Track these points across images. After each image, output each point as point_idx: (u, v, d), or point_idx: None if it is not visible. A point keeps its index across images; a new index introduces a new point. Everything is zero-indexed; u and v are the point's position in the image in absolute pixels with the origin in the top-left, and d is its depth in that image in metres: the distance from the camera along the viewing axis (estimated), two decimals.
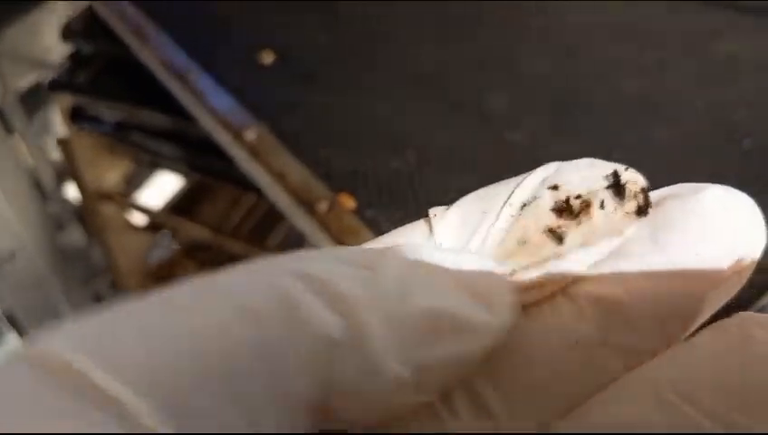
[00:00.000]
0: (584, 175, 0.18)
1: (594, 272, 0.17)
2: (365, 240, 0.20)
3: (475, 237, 0.18)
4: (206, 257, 1.04)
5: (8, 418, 0.12)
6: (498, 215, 0.18)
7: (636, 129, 0.58)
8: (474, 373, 0.17)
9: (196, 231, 0.98)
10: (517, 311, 0.17)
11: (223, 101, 0.68)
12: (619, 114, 0.60)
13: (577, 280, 0.17)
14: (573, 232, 0.17)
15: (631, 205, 0.17)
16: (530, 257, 0.17)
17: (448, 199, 0.19)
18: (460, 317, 0.15)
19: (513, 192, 0.18)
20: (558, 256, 0.17)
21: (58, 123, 1.06)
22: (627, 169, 0.18)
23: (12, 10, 1.00)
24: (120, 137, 0.90)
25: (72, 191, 1.10)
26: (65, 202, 1.13)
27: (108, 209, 1.01)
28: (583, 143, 0.58)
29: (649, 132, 0.58)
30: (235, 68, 0.71)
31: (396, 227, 0.19)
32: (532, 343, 0.17)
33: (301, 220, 0.59)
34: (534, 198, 0.18)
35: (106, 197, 1.00)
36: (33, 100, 1.05)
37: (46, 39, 1.04)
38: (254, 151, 0.63)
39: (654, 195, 0.18)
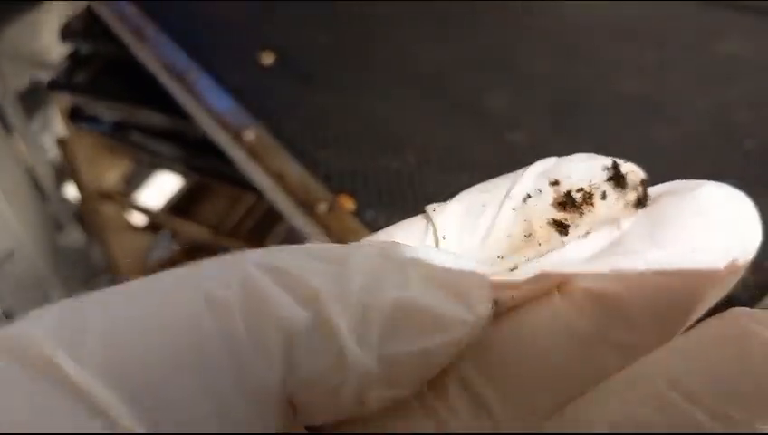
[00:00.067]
0: (584, 168, 0.18)
1: (591, 268, 0.17)
2: None
3: (476, 230, 0.18)
4: (205, 257, 1.04)
5: None
6: (499, 208, 0.18)
7: (636, 129, 0.58)
8: (470, 368, 0.17)
9: (195, 231, 0.98)
10: (504, 306, 0.17)
11: (222, 101, 0.68)
12: (620, 114, 0.60)
13: (574, 276, 0.17)
14: (577, 223, 0.17)
15: (632, 195, 0.18)
16: (535, 250, 0.17)
17: (448, 199, 0.19)
18: (431, 311, 0.15)
19: (513, 185, 0.18)
20: (559, 250, 0.17)
21: (57, 123, 1.06)
22: (625, 161, 0.18)
23: (11, 10, 1.00)
24: (119, 137, 0.90)
25: (71, 191, 1.10)
26: (65, 202, 1.12)
27: (107, 209, 1.01)
28: (583, 143, 0.58)
29: (650, 133, 0.57)
30: (234, 68, 0.71)
31: None
32: (529, 339, 0.17)
33: (300, 221, 0.58)
34: (538, 191, 0.18)
35: (105, 196, 1.00)
36: (32, 99, 1.05)
37: (45, 39, 1.04)
38: (253, 152, 0.63)
39: (651, 191, 0.18)
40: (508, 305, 0.18)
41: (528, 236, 0.17)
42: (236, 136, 0.64)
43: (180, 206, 1.04)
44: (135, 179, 1.09)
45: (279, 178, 0.60)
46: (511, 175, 0.18)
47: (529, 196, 0.18)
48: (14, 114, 1.01)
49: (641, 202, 0.18)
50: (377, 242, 0.16)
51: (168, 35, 0.75)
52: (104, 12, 0.81)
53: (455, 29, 0.71)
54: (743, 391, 0.14)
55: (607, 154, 0.18)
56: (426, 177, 0.58)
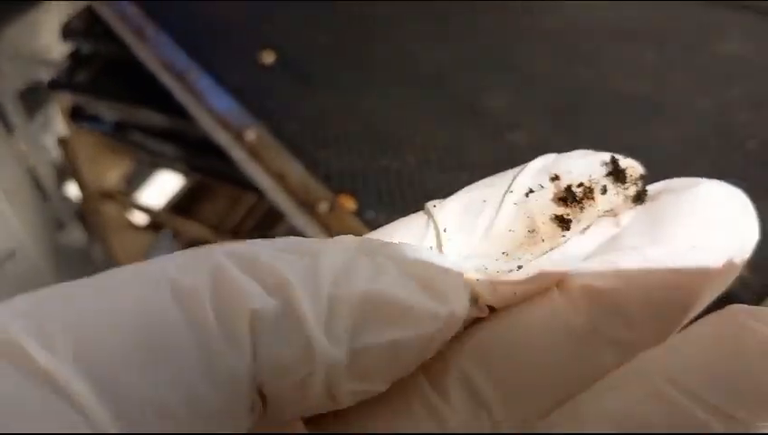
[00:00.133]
0: (583, 163, 0.18)
1: (590, 265, 0.17)
2: None
3: (477, 225, 0.18)
4: None
5: None
6: (501, 203, 0.18)
7: (636, 129, 0.58)
8: (471, 366, 0.17)
9: (196, 230, 0.98)
10: (505, 304, 0.18)
11: (222, 101, 0.67)
12: (620, 115, 0.60)
13: (573, 273, 0.18)
14: (579, 218, 0.18)
15: (632, 190, 0.18)
16: (539, 247, 0.17)
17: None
18: (402, 305, 0.15)
19: (513, 180, 0.18)
20: (560, 247, 0.17)
21: (58, 122, 1.06)
22: (624, 157, 0.18)
23: (12, 9, 1.00)
24: (120, 136, 0.90)
25: (72, 190, 1.10)
26: (66, 201, 1.12)
27: (108, 208, 1.01)
28: (583, 143, 0.58)
29: (651, 133, 0.57)
30: (234, 68, 0.71)
31: None
32: (527, 335, 0.17)
33: (301, 221, 0.58)
34: (539, 186, 0.18)
35: (107, 196, 0.99)
36: (33, 99, 1.05)
37: (46, 38, 1.03)
38: (253, 152, 0.63)
39: (650, 189, 0.18)
40: (509, 303, 0.18)
41: (531, 231, 0.18)
42: (237, 136, 0.64)
43: (181, 205, 1.04)
44: (136, 179, 1.09)
45: (280, 178, 0.60)
46: (510, 171, 0.19)
47: (531, 190, 0.18)
48: (14, 114, 1.01)
49: (640, 197, 0.18)
50: (356, 237, 0.16)
51: (169, 35, 0.74)
52: (105, 11, 0.81)
53: (455, 29, 0.71)
54: (741, 389, 0.14)
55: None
56: (426, 177, 0.58)
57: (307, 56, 0.71)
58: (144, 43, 0.75)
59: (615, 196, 0.18)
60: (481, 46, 0.69)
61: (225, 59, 0.72)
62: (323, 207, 0.57)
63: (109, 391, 0.13)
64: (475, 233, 0.18)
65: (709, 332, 0.15)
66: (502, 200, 0.18)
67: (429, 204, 0.19)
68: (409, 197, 0.57)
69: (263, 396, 0.14)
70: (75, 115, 0.92)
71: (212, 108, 0.67)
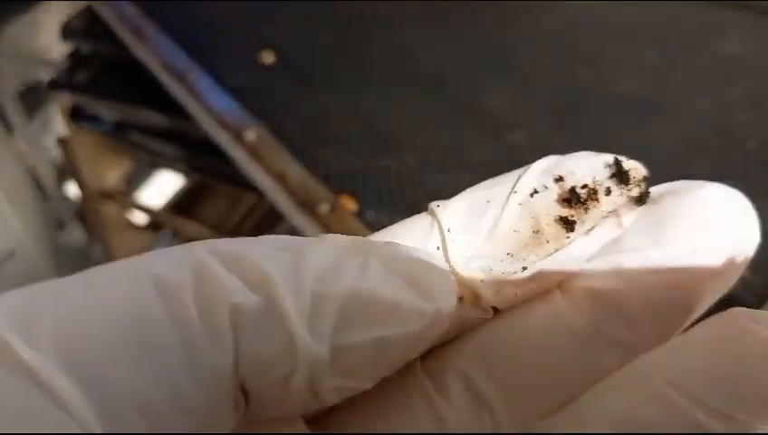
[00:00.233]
0: (587, 165, 0.18)
1: (592, 267, 0.18)
2: None
3: (481, 225, 0.18)
4: None
5: None
6: (505, 203, 0.18)
7: (636, 129, 0.58)
8: (472, 366, 0.17)
9: (196, 230, 0.98)
10: (508, 305, 0.17)
11: (222, 101, 0.67)
12: (620, 115, 0.60)
13: (575, 275, 0.18)
14: (583, 220, 0.18)
15: (635, 191, 0.18)
16: (543, 248, 0.17)
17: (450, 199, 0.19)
18: (388, 302, 0.15)
19: (517, 181, 0.18)
20: (564, 249, 0.17)
21: (58, 122, 1.06)
22: (627, 158, 0.18)
23: (11, 9, 1.00)
24: (119, 136, 0.90)
25: (72, 190, 1.10)
26: (66, 201, 1.12)
27: (108, 208, 1.01)
28: (584, 143, 0.58)
29: (651, 133, 0.57)
30: (234, 68, 0.71)
31: None
32: (528, 336, 0.17)
33: (302, 222, 0.58)
34: (543, 187, 0.18)
35: (106, 196, 0.99)
36: (32, 99, 1.05)
37: (46, 38, 1.03)
38: (254, 152, 0.63)
39: (653, 191, 0.18)
40: (511, 303, 0.18)
41: (536, 232, 0.18)
42: (237, 136, 0.64)
43: (181, 205, 1.03)
44: (136, 178, 1.09)
45: (280, 178, 0.60)
46: (514, 172, 0.19)
47: (536, 191, 0.18)
48: (14, 114, 1.01)
49: (642, 198, 0.18)
50: (344, 236, 0.16)
51: (169, 35, 0.74)
52: (104, 11, 0.81)
53: (455, 29, 0.71)
54: (742, 391, 0.14)
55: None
56: (426, 177, 0.58)
57: (307, 56, 0.71)
58: (144, 44, 0.75)
59: (618, 197, 0.18)
60: (481, 46, 0.69)
61: (225, 59, 0.72)
62: (324, 208, 0.57)
63: (92, 386, 0.13)
64: (480, 233, 0.18)
65: (710, 334, 0.15)
66: (506, 201, 0.18)
67: (433, 204, 0.18)
68: (410, 197, 0.57)
69: (245, 393, 0.14)
70: (75, 115, 0.92)
71: (212, 108, 0.67)
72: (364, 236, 0.18)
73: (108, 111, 0.89)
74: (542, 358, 0.17)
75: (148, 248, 1.08)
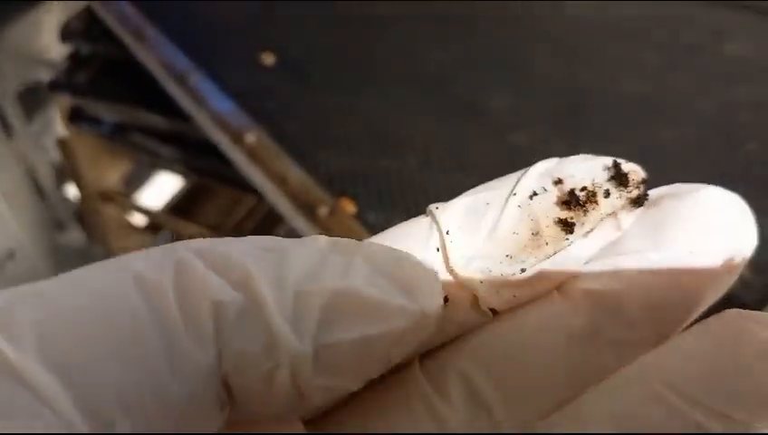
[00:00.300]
0: (586, 167, 0.18)
1: (591, 268, 0.18)
2: None
3: (481, 226, 0.18)
4: None
5: None
6: (504, 205, 0.18)
7: (639, 131, 0.58)
8: (472, 367, 0.17)
9: (196, 232, 0.98)
10: (507, 306, 0.18)
11: (222, 103, 0.67)
12: (621, 116, 0.60)
13: (574, 276, 0.18)
14: (582, 222, 0.18)
15: (634, 193, 0.18)
16: (543, 250, 0.18)
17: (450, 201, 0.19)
18: (372, 300, 0.15)
19: (516, 183, 0.18)
20: (563, 250, 0.18)
21: (58, 123, 1.06)
22: (626, 161, 0.18)
23: (11, 10, 1.00)
24: (119, 138, 0.90)
25: (71, 191, 1.10)
26: (65, 202, 1.12)
27: (108, 210, 1.01)
28: (585, 144, 0.58)
29: (653, 134, 0.57)
30: (234, 69, 0.71)
31: None
32: (528, 336, 0.18)
33: (301, 224, 0.58)
34: (543, 189, 0.18)
35: (106, 197, 0.99)
36: (32, 100, 1.05)
37: (46, 39, 1.03)
38: (253, 154, 0.63)
39: (651, 193, 0.18)
40: (510, 305, 0.18)
41: (535, 234, 0.18)
42: (237, 139, 0.64)
43: (181, 206, 1.03)
44: (135, 180, 1.09)
45: (280, 180, 0.60)
46: (513, 175, 0.19)
47: (535, 193, 0.18)
48: (14, 115, 1.01)
49: (641, 201, 0.18)
50: (329, 237, 0.16)
51: (168, 36, 0.74)
52: (104, 12, 0.81)
53: (455, 29, 0.71)
54: (740, 391, 0.14)
55: (611, 156, 0.19)
56: (426, 178, 0.58)
57: (307, 57, 0.71)
58: (143, 44, 0.75)
59: (617, 199, 0.18)
60: (481, 46, 0.69)
61: (225, 60, 0.72)
62: (323, 210, 0.57)
63: (75, 384, 0.13)
64: (479, 235, 0.18)
65: (708, 334, 0.15)
66: (505, 203, 0.18)
67: (432, 206, 0.19)
68: (410, 198, 0.57)
69: (229, 390, 0.14)
70: (74, 116, 0.92)
71: (211, 109, 0.67)
72: (364, 238, 0.18)
73: (107, 113, 0.89)
74: (542, 359, 0.17)
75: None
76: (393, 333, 0.15)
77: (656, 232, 0.18)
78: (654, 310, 0.17)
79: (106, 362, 0.13)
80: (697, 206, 0.18)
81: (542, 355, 0.17)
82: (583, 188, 0.18)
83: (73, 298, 0.14)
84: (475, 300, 0.18)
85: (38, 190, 1.07)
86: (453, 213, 0.18)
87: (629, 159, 0.19)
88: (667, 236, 0.17)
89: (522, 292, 0.18)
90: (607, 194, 0.18)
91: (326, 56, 0.71)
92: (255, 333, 0.14)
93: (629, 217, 0.18)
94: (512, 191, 0.18)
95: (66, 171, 1.04)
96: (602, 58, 0.65)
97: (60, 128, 1.03)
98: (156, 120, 0.82)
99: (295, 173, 0.60)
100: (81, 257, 1.13)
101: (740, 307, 0.16)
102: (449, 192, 0.19)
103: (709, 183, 0.18)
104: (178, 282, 0.14)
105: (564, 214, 0.18)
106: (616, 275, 0.17)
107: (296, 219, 0.59)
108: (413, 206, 0.56)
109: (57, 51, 0.99)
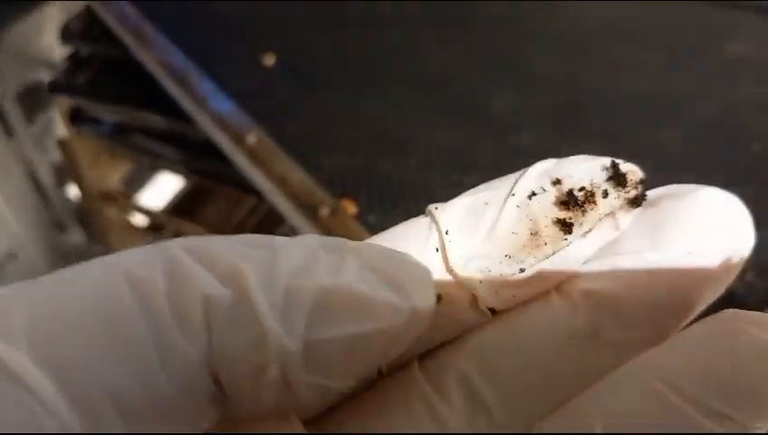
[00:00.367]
0: (584, 168, 0.18)
1: (590, 268, 0.18)
2: None
3: (480, 226, 0.18)
4: None
5: None
6: (503, 205, 0.18)
7: (642, 132, 0.58)
8: (471, 367, 0.17)
9: (197, 232, 0.98)
10: (505, 306, 0.18)
11: (223, 104, 0.67)
12: (626, 116, 0.60)
13: (573, 276, 0.18)
14: (581, 222, 0.18)
15: (632, 193, 0.18)
16: (541, 250, 0.18)
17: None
18: (362, 298, 0.14)
19: (515, 183, 0.18)
20: (562, 251, 0.18)
21: (58, 124, 1.06)
22: (624, 161, 0.19)
23: (11, 10, 1.00)
24: (120, 139, 0.90)
25: (72, 192, 1.10)
26: (66, 203, 1.13)
27: (109, 210, 1.01)
28: (587, 145, 0.58)
29: (656, 135, 0.57)
30: (235, 70, 0.71)
31: None
32: (526, 337, 0.18)
33: (303, 225, 0.58)
34: (541, 189, 0.18)
35: (107, 198, 1.00)
36: (33, 101, 1.05)
37: (46, 40, 1.03)
38: (254, 156, 0.63)
39: (650, 194, 0.19)
40: (509, 305, 0.18)
41: (534, 234, 0.18)
42: (238, 140, 0.64)
43: (182, 207, 1.04)
44: (136, 180, 1.09)
45: (281, 182, 0.60)
46: (512, 175, 0.19)
47: (533, 193, 0.18)
48: (14, 115, 1.01)
49: (639, 201, 0.18)
50: (320, 236, 0.16)
51: (168, 36, 0.74)
52: (104, 13, 0.81)
53: (455, 29, 0.71)
54: (736, 390, 0.14)
55: (612, 156, 0.19)
56: (427, 179, 0.58)
57: (307, 58, 0.71)
58: (143, 45, 0.75)
59: (616, 199, 0.18)
60: (481, 46, 0.69)
61: (226, 61, 0.72)
62: (325, 211, 0.57)
63: (66, 379, 0.13)
64: (478, 235, 0.18)
65: (705, 334, 0.16)
66: (504, 203, 0.18)
67: (431, 206, 0.19)
68: (411, 199, 0.57)
69: (220, 386, 0.14)
70: (75, 117, 0.92)
71: (212, 110, 0.67)
72: (364, 238, 0.18)
73: (108, 113, 0.89)
74: (540, 359, 0.17)
75: None
76: (384, 329, 0.15)
77: (654, 232, 0.18)
78: (652, 310, 0.17)
79: (97, 358, 0.13)
80: (696, 206, 0.18)
81: (540, 355, 0.17)
82: (582, 189, 0.18)
83: (65, 295, 0.14)
84: (474, 300, 0.18)
85: (39, 191, 1.07)
86: (452, 213, 0.18)
87: (630, 159, 0.19)
88: (665, 237, 0.17)
89: (521, 292, 0.18)
90: (605, 194, 0.18)
91: (326, 56, 0.71)
92: (245, 328, 0.14)
93: (628, 218, 0.18)
94: (510, 191, 0.18)
95: (67, 172, 1.04)
96: (602, 58, 0.65)
97: (60, 128, 1.03)
98: (156, 121, 0.82)
99: (296, 174, 0.60)
100: (82, 258, 1.13)
101: (742, 309, 0.16)
102: (449, 192, 0.19)
103: (710, 184, 0.18)
104: (169, 278, 0.14)
105: (563, 214, 0.18)
106: (614, 275, 0.18)
107: (297, 220, 0.59)
108: (413, 206, 0.56)
109: (57, 51, 0.99)
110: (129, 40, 0.77)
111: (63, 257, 1.09)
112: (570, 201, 0.18)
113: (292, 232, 0.61)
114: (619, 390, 0.16)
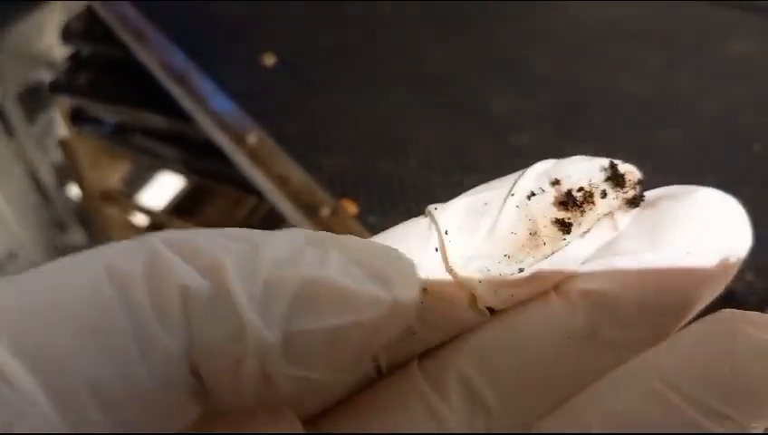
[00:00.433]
0: (583, 168, 0.18)
1: (588, 268, 0.18)
2: None
3: (479, 226, 0.18)
4: None
5: None
6: (502, 205, 0.18)
7: (642, 132, 0.58)
8: (470, 367, 0.17)
9: None
10: (504, 305, 0.18)
11: (223, 103, 0.67)
12: (626, 116, 0.60)
13: (571, 276, 0.18)
14: (579, 222, 0.18)
15: (631, 194, 0.18)
16: (540, 250, 0.18)
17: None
18: (344, 290, 0.14)
19: (514, 184, 0.18)
20: (561, 250, 0.18)
21: (59, 124, 1.06)
22: (623, 162, 0.19)
23: (12, 10, 1.00)
24: (120, 139, 0.90)
25: (73, 192, 1.10)
26: (67, 203, 1.13)
27: (109, 210, 1.01)
28: (587, 146, 0.58)
29: (657, 135, 0.57)
30: (235, 70, 0.71)
31: None
32: (525, 336, 0.18)
33: (303, 225, 0.58)
34: (540, 190, 0.18)
35: (108, 197, 1.00)
36: (34, 101, 1.05)
37: (47, 40, 1.03)
38: (255, 156, 0.63)
39: (649, 195, 0.19)
40: (508, 304, 0.18)
41: (533, 234, 0.18)
42: (239, 140, 0.64)
43: (182, 207, 1.04)
44: (137, 180, 1.09)
45: (282, 182, 0.60)
46: (511, 176, 0.19)
47: (533, 193, 0.18)
48: (15, 115, 1.01)
49: (637, 201, 0.18)
50: (305, 230, 0.16)
51: (169, 36, 0.74)
52: (104, 13, 0.81)
53: (455, 29, 0.71)
54: (734, 389, 0.14)
55: (612, 157, 0.19)
56: (428, 179, 0.58)
57: (308, 58, 0.71)
58: (144, 45, 0.75)
59: (614, 200, 0.18)
60: (482, 47, 0.69)
61: (226, 61, 0.72)
62: (325, 211, 0.57)
63: (45, 371, 0.13)
64: (478, 235, 0.18)
65: (704, 334, 0.16)
66: (504, 203, 0.18)
67: (431, 207, 0.19)
68: (411, 200, 0.57)
69: (200, 379, 0.14)
70: (76, 118, 0.92)
71: (212, 110, 0.67)
72: (364, 238, 0.17)
73: (108, 113, 0.89)
74: (539, 359, 0.17)
75: None
76: (366, 322, 0.14)
77: (653, 233, 0.18)
78: (651, 310, 0.17)
79: (76, 349, 0.13)
80: (694, 207, 0.18)
81: (539, 355, 0.17)
82: (580, 189, 0.18)
83: (45, 287, 0.14)
84: (473, 299, 0.18)
85: (39, 191, 1.07)
86: (452, 213, 0.18)
87: (630, 159, 0.19)
88: (664, 237, 0.18)
89: (519, 291, 0.18)
90: (603, 194, 0.18)
91: (326, 56, 0.71)
92: (223, 320, 0.14)
93: (626, 218, 0.18)
94: (510, 192, 0.18)
95: (67, 172, 1.04)
96: (602, 58, 0.65)
97: (61, 128, 1.03)
98: (157, 121, 0.82)
99: (297, 174, 0.60)
100: None
101: (741, 309, 0.16)
102: (449, 192, 0.19)
103: (710, 184, 0.18)
104: (149, 270, 0.14)
105: (561, 214, 0.18)
106: (613, 275, 0.18)
107: (298, 220, 0.59)
108: (414, 206, 0.56)
109: (58, 51, 0.99)
110: (129, 40, 0.77)
111: (64, 257, 1.09)
112: (568, 202, 0.18)
113: None
114: (617, 389, 0.16)
